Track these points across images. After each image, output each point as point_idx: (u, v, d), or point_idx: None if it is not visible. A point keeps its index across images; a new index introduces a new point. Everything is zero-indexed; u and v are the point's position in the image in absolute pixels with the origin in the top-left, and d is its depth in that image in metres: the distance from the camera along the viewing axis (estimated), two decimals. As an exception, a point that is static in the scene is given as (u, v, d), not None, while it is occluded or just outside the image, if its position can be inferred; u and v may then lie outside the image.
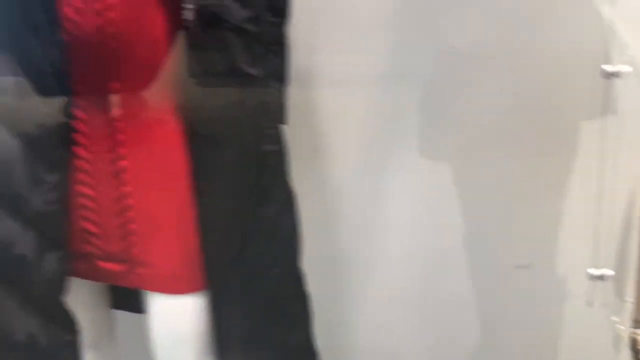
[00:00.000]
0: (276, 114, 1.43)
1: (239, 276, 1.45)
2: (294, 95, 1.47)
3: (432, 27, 1.87)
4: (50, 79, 1.35)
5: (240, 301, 1.46)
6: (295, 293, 1.53)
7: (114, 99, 1.39)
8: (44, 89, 1.36)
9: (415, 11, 1.86)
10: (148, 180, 1.41)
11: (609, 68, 1.75)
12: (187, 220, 1.42)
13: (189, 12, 1.34)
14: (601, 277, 1.87)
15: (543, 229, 1.95)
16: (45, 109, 1.37)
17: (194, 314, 1.44)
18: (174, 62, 1.38)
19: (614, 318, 1.88)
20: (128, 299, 1.59)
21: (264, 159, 1.42)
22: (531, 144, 1.88)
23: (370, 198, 1.96)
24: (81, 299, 1.51)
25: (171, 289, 1.44)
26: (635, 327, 1.78)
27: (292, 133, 1.49)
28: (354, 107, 1.89)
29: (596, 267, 1.89)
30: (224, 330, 1.47)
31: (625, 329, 1.82)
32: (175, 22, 1.36)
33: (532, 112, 1.87)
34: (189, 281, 1.44)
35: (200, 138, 1.39)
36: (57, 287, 1.43)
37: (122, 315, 1.66)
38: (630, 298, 1.83)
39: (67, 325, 1.47)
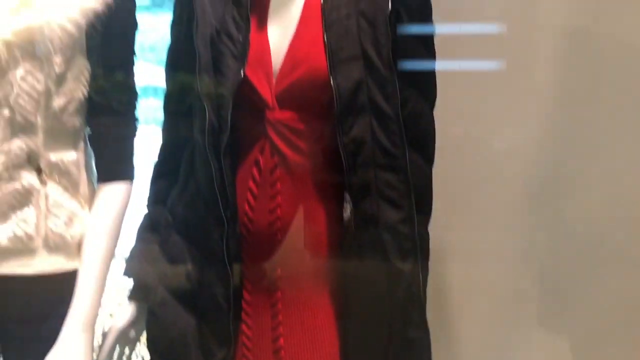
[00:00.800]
0: (421, 302, 1.60)
1: None
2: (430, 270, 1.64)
3: (557, 211, 2.03)
4: (226, 264, 1.57)
5: None
6: None
7: (278, 282, 1.60)
8: (220, 273, 1.58)
9: (544, 194, 2.03)
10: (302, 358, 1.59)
11: None
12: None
13: (347, 211, 1.55)
14: None
15: None
16: (219, 290, 1.59)
17: None
18: (333, 252, 1.59)
19: None
20: None
21: (409, 343, 1.58)
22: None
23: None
24: None
25: None
26: None
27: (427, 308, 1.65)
28: (486, 282, 2.04)
29: None
30: None
31: None
32: (335, 219, 1.57)
33: None
34: None
35: (352, 321, 1.57)
36: None
37: None
38: None
39: None
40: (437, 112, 1.66)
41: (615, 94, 1.98)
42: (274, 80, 1.55)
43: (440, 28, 1.63)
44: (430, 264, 1.66)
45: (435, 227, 1.80)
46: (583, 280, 2.03)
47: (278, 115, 1.55)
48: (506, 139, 2.06)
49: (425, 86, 1.60)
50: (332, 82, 1.50)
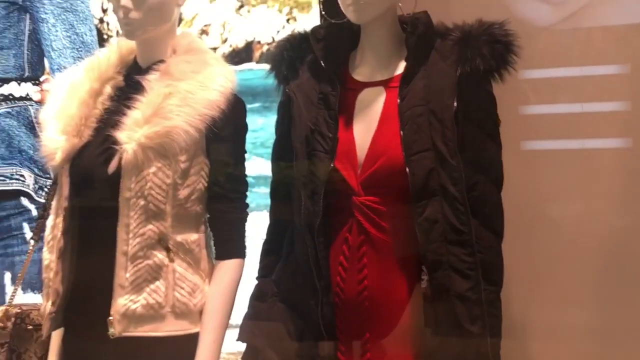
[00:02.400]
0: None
1: None
2: (508, 346, 1.82)
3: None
4: (321, 328, 1.83)
5: None
6: None
7: (367, 344, 1.84)
8: (316, 335, 1.84)
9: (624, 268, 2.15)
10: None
11: None
12: None
13: (424, 282, 1.79)
14: None
15: None
16: (316, 351, 1.84)
17: None
18: (413, 317, 1.82)
19: None
20: None
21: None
22: None
23: None
24: None
25: None
26: None
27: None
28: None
29: None
30: None
31: None
32: (414, 288, 1.81)
33: None
34: None
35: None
36: None
37: None
38: None
39: None
40: (521, 190, 1.85)
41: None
42: (359, 170, 1.83)
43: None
44: (512, 340, 1.85)
45: (516, 303, 1.98)
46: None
47: (363, 199, 1.82)
48: (584, 215, 2.17)
49: (491, 172, 1.84)
50: (407, 170, 1.77)
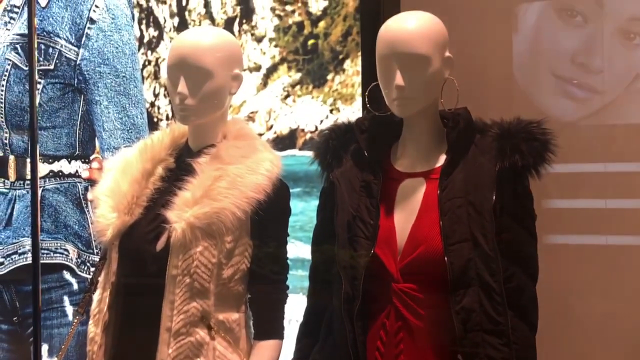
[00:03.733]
0: None
1: None
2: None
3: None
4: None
5: None
6: None
7: None
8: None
9: None
10: None
11: None
12: None
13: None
14: None
15: None
16: None
17: None
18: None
19: None
20: None
21: None
22: None
23: None
24: None
25: None
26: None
27: None
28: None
29: None
30: None
31: None
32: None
33: None
34: None
35: None
36: None
37: None
38: None
39: None
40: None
41: None
42: (398, 257, 1.89)
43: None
44: None
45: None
46: None
47: (402, 286, 1.88)
48: (608, 311, 2.20)
49: (527, 265, 1.89)
50: (446, 259, 1.83)
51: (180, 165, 2.07)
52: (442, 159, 1.93)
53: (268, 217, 1.99)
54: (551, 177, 2.24)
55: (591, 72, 2.24)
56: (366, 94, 2.05)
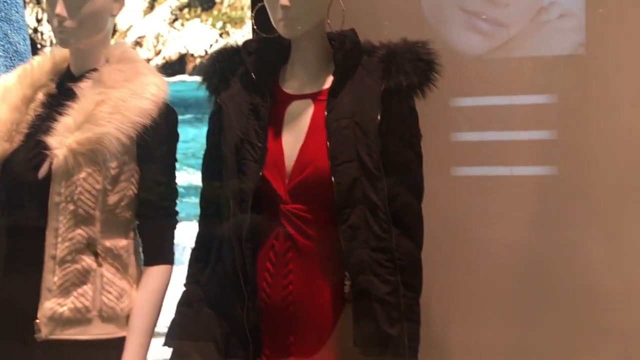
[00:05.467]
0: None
1: None
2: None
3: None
4: (247, 332, 1.88)
5: None
6: None
7: (291, 348, 1.89)
8: (242, 340, 1.89)
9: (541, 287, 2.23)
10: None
11: None
12: None
13: (347, 286, 1.85)
14: None
15: None
16: (242, 354, 1.89)
17: None
18: (336, 321, 1.88)
19: None
20: None
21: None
22: None
23: None
24: None
25: None
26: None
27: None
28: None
29: None
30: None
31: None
32: (337, 293, 1.88)
33: None
34: None
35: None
36: None
37: None
38: None
39: None
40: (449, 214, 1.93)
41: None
42: (286, 179, 1.89)
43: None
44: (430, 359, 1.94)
45: (436, 322, 2.06)
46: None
47: (290, 207, 1.88)
48: (508, 238, 2.25)
49: (412, 183, 1.92)
50: (333, 179, 1.84)
51: (61, 91, 2.01)
52: (330, 80, 1.93)
53: (154, 142, 1.95)
54: (459, 110, 2.28)
55: (498, 5, 2.25)
56: (253, 15, 2.03)
